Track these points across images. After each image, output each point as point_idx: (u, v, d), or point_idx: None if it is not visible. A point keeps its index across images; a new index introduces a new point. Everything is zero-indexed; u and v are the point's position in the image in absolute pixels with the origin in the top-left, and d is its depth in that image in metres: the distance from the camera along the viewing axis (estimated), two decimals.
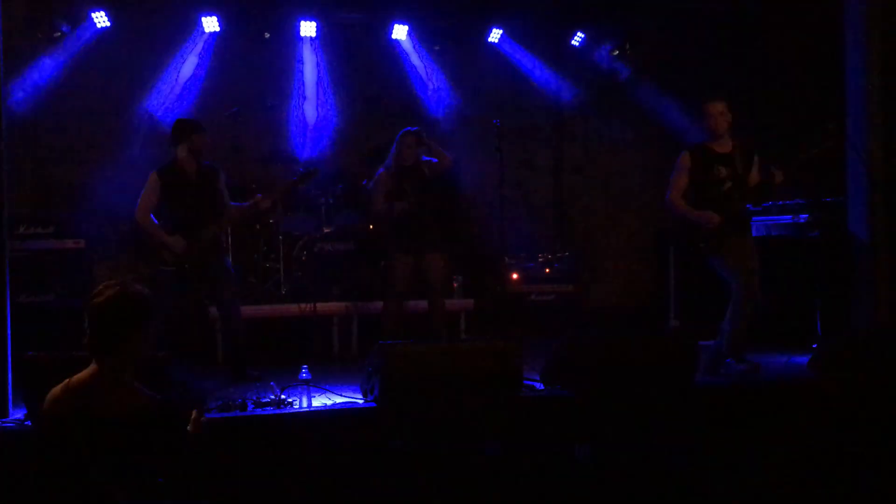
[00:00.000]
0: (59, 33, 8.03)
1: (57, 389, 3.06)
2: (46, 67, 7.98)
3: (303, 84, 8.79)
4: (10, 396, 4.91)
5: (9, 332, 4.95)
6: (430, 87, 9.08)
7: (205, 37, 8.39)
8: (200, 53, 8.42)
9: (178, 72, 8.39)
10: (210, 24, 8.29)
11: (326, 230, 8.02)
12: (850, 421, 5.22)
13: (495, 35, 9.11)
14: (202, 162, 6.22)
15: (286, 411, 4.98)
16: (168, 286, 6.03)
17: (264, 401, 5.07)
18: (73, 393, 3.02)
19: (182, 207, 6.10)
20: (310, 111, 8.80)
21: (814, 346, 6.51)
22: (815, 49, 8.07)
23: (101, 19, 8.03)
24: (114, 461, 2.95)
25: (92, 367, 3.08)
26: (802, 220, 7.17)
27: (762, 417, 5.31)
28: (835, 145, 5.95)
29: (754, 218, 6.68)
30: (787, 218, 7.29)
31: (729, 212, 5.92)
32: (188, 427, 3.25)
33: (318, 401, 5.25)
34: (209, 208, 6.18)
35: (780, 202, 7.32)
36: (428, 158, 6.78)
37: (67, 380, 3.06)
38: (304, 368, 5.69)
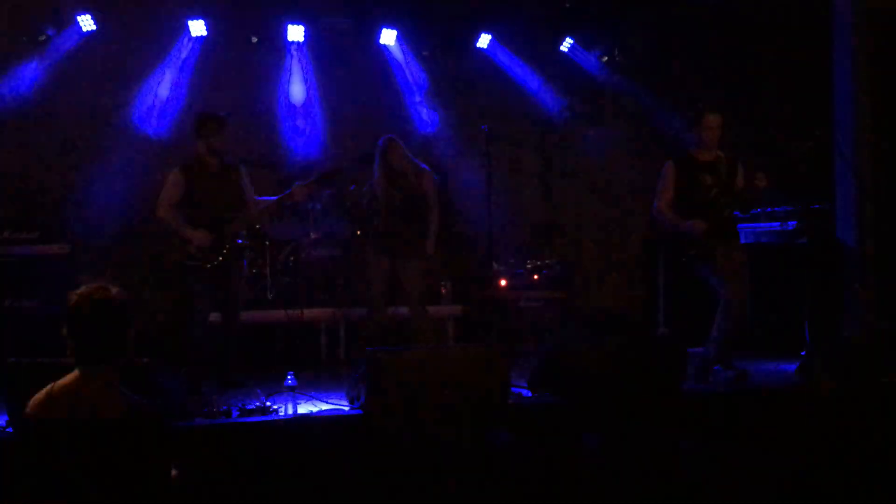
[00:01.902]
0: (45, 36, 7.96)
1: (40, 395, 3.03)
2: (31, 71, 7.92)
3: (290, 89, 8.74)
4: None
5: None
6: (418, 92, 9.05)
7: (192, 41, 8.34)
8: (187, 57, 8.36)
9: (165, 76, 8.33)
10: (197, 27, 8.24)
11: (314, 236, 7.98)
12: (839, 426, 5.22)
13: (484, 40, 9.09)
14: (224, 158, 6.17)
15: (271, 418, 4.95)
16: (197, 279, 5.98)
17: (249, 408, 5.04)
18: (56, 398, 3.00)
19: (204, 203, 6.04)
20: (297, 116, 8.76)
21: (802, 352, 6.51)
22: (804, 56, 8.09)
23: (86, 23, 7.97)
24: (98, 466, 2.92)
25: (76, 373, 3.06)
26: (791, 227, 7.18)
27: (751, 424, 5.30)
28: (817, 145, 5.95)
29: (743, 225, 6.69)
30: (775, 225, 7.31)
31: (716, 219, 5.92)
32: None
33: (304, 408, 5.21)
34: (232, 205, 6.12)
35: (769, 209, 7.33)
36: (421, 165, 6.78)
37: (51, 385, 3.04)
38: (290, 375, 5.64)
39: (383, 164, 6.72)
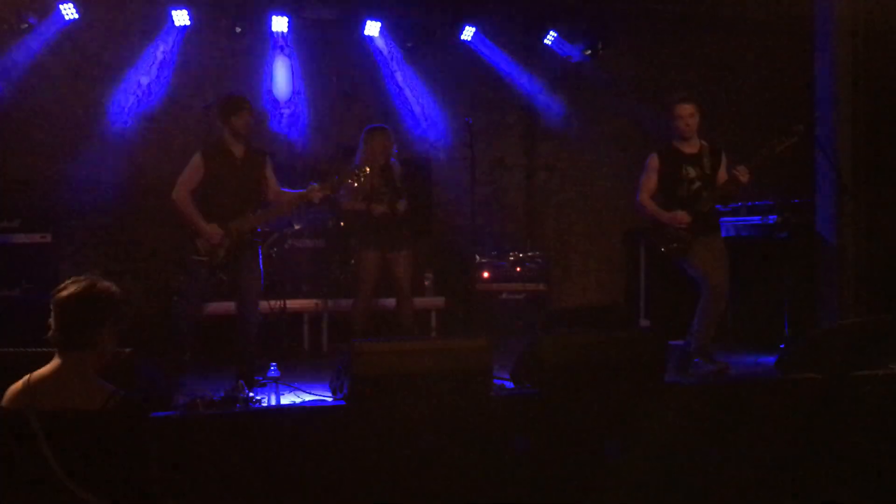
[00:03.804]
0: (27, 25, 7.90)
1: (17, 385, 3.01)
2: (12, 60, 7.87)
3: (274, 79, 8.72)
4: None
5: None
6: (402, 84, 9.05)
7: (175, 31, 8.30)
8: (170, 47, 8.32)
9: (148, 66, 8.29)
10: (180, 17, 8.19)
11: (297, 227, 7.97)
12: (818, 419, 5.27)
13: (468, 33, 9.10)
14: (250, 144, 5.93)
15: (254, 409, 4.94)
16: (199, 277, 5.78)
17: (232, 398, 5.02)
18: (33, 388, 2.97)
19: (223, 192, 5.78)
20: (282, 107, 8.74)
21: (781, 345, 6.56)
22: (786, 51, 8.14)
23: (69, 11, 7.91)
24: (75, 457, 2.88)
25: (55, 362, 3.04)
26: (771, 221, 7.23)
27: (730, 417, 5.34)
28: (797, 142, 5.96)
29: (723, 218, 6.72)
30: (756, 219, 7.35)
31: (698, 212, 5.95)
32: None
33: (287, 399, 5.21)
34: (251, 196, 5.89)
35: (750, 203, 7.38)
36: (394, 160, 6.74)
37: (28, 375, 3.02)
38: (273, 366, 5.65)
39: (369, 152, 6.61)
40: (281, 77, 8.71)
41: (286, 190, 6.08)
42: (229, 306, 6.85)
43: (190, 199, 5.76)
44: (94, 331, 3.05)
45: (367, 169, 6.15)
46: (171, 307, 5.96)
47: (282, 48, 8.65)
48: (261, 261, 5.97)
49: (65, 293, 3.05)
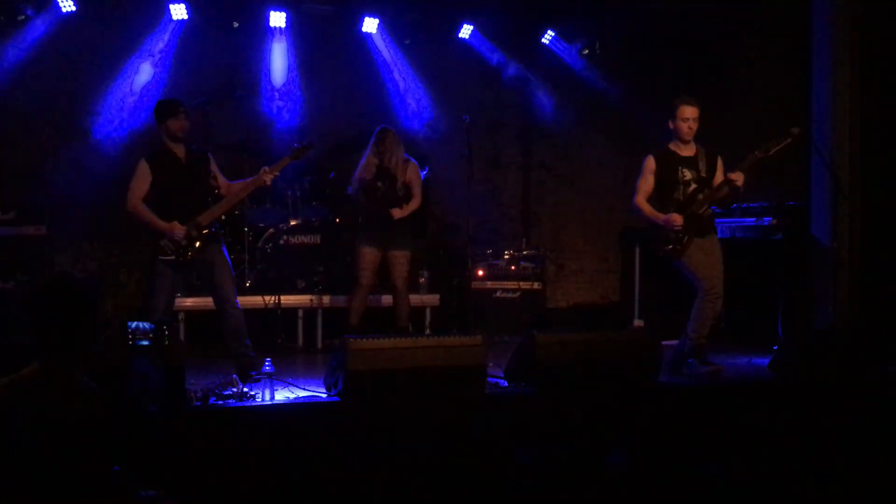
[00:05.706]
0: (24, 16, 7.87)
1: (2, 382, 2.88)
2: (9, 51, 7.84)
3: (271, 75, 8.71)
4: None
5: None
6: (400, 81, 9.05)
7: (172, 25, 8.28)
8: (168, 41, 8.30)
9: (145, 59, 8.27)
10: (178, 11, 8.18)
11: (293, 222, 7.98)
12: (810, 420, 5.29)
13: (466, 31, 9.10)
14: (189, 146, 5.98)
15: (248, 404, 4.94)
16: (168, 278, 5.81)
17: (226, 393, 5.02)
18: (18, 389, 2.86)
19: (175, 194, 5.84)
20: (278, 103, 8.73)
21: (775, 347, 6.58)
22: (783, 53, 8.15)
23: (66, 3, 7.89)
24: (63, 459, 2.81)
25: (37, 364, 2.91)
26: (766, 223, 7.25)
27: (724, 417, 5.35)
28: (791, 144, 5.96)
29: (718, 220, 6.74)
30: (750, 220, 7.37)
31: (693, 214, 5.96)
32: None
33: (281, 394, 5.21)
34: (204, 192, 5.96)
35: (745, 205, 7.39)
36: (408, 157, 6.98)
37: (13, 375, 2.89)
38: (268, 361, 5.63)
39: (375, 153, 6.89)
40: (278, 73, 8.70)
41: (236, 181, 6.15)
42: None
43: (143, 206, 5.81)
44: (71, 329, 2.92)
45: (310, 146, 6.25)
46: (148, 304, 5.90)
47: (279, 44, 8.64)
48: (226, 253, 6.01)
49: (36, 293, 2.93)
